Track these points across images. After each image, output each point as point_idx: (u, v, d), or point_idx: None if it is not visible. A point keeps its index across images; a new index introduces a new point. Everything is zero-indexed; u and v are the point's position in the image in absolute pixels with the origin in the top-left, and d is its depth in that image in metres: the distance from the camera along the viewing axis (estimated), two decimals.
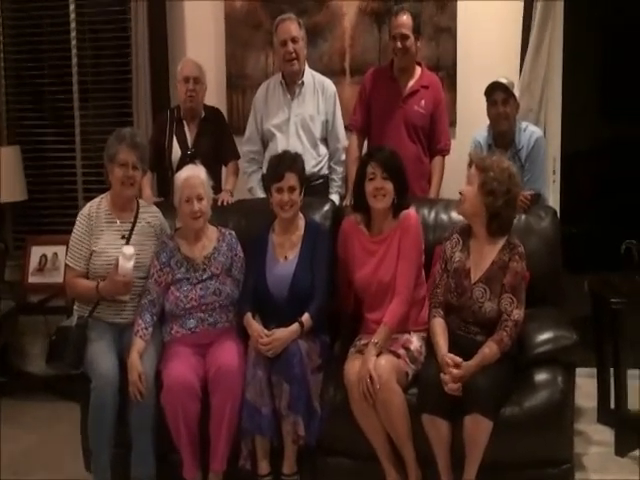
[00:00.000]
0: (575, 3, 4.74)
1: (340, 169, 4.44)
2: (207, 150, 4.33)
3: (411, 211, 3.58)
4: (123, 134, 3.69)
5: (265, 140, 4.47)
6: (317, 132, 4.39)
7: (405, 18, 4.19)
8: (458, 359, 3.17)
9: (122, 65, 5.26)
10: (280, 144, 4.34)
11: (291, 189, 3.59)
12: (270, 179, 3.66)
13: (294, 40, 4.28)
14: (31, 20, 5.40)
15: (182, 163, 4.16)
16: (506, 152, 4.08)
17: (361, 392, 3.21)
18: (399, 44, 4.21)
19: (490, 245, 3.38)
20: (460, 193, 3.38)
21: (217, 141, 4.44)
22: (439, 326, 3.38)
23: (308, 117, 4.37)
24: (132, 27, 5.05)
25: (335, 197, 4.38)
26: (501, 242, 3.37)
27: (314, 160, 4.34)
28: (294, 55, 4.29)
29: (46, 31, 5.41)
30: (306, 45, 4.41)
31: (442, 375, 3.15)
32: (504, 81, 4.08)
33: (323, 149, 4.43)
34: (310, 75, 4.44)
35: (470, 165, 3.41)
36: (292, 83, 4.39)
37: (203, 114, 4.43)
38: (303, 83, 4.39)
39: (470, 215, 3.39)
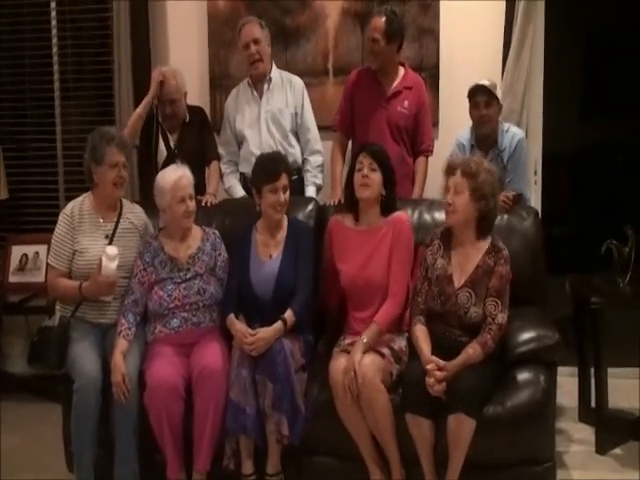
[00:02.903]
0: (556, 5, 4.78)
1: (313, 159, 4.46)
2: (191, 151, 4.33)
3: (403, 214, 3.61)
4: (111, 135, 3.67)
5: (239, 141, 4.50)
6: (287, 125, 4.42)
7: (377, 22, 4.21)
8: (441, 362, 3.18)
9: (104, 64, 5.23)
10: (252, 141, 4.39)
11: (285, 189, 3.60)
12: (263, 180, 3.62)
13: (256, 42, 4.31)
14: (12, 18, 5.36)
15: (167, 164, 4.15)
16: (488, 153, 4.12)
17: (345, 386, 3.22)
18: (369, 47, 4.27)
19: (474, 249, 3.38)
20: (449, 204, 3.33)
21: (200, 141, 4.44)
22: (421, 332, 3.37)
23: (277, 111, 4.41)
24: (114, 26, 5.02)
25: (311, 189, 4.40)
26: (485, 245, 3.38)
27: (287, 154, 4.30)
28: (257, 56, 4.33)
29: (27, 29, 5.36)
30: (270, 45, 4.43)
31: (427, 379, 3.15)
32: (487, 83, 4.09)
33: (295, 142, 4.47)
34: (277, 72, 4.48)
35: (451, 173, 3.36)
36: (259, 82, 4.43)
37: (187, 118, 4.43)
38: (271, 79, 4.43)
39: (462, 224, 3.37)
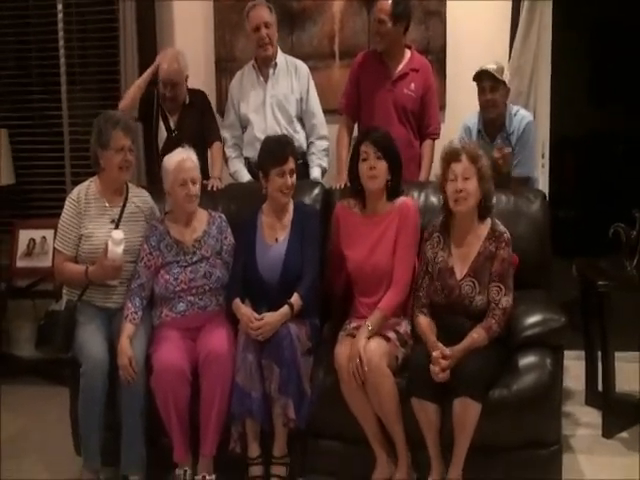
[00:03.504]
0: None
1: (320, 143, 4.45)
2: (191, 132, 4.31)
3: (409, 199, 3.60)
4: (117, 118, 3.67)
5: (243, 125, 4.49)
6: (292, 110, 4.42)
7: (384, 3, 4.18)
8: (447, 351, 3.17)
9: (110, 48, 5.22)
10: (257, 126, 4.38)
11: (291, 172, 3.60)
12: (271, 163, 3.61)
13: (267, 25, 4.31)
14: (18, 3, 5.36)
15: (166, 145, 4.18)
16: (496, 137, 4.11)
17: (350, 372, 3.22)
18: (376, 28, 4.24)
19: (475, 236, 3.37)
20: (460, 191, 3.28)
21: (201, 123, 4.43)
22: (425, 321, 3.37)
23: (283, 96, 4.41)
24: (120, 9, 5.01)
25: (316, 170, 4.40)
26: (485, 231, 3.36)
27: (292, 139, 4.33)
28: (267, 40, 4.32)
29: (33, 13, 5.36)
30: (277, 28, 4.42)
31: (432, 367, 3.15)
32: (493, 67, 4.05)
33: (300, 127, 4.46)
34: (283, 57, 4.47)
35: (454, 159, 3.33)
36: (265, 66, 4.42)
37: (187, 100, 4.42)
38: (276, 64, 4.42)
39: (471, 208, 3.35)
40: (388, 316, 3.41)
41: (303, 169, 4.37)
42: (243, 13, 4.41)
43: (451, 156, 3.36)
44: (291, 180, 3.59)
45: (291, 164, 3.60)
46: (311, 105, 4.45)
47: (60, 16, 5.24)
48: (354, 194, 3.65)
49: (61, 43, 5.28)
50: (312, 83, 4.47)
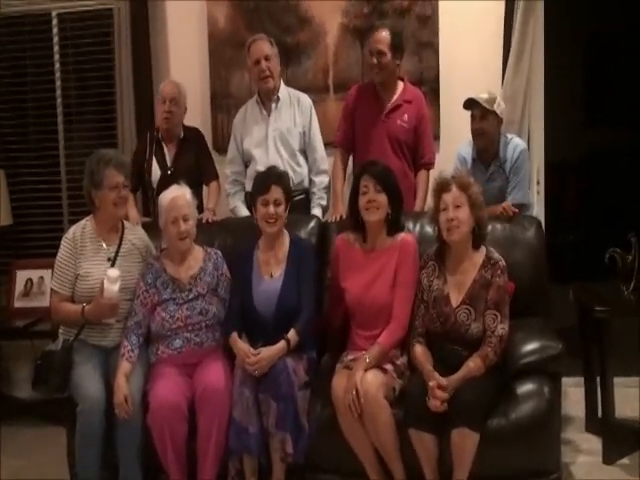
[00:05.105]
0: (556, 13, 4.78)
1: (319, 180, 4.45)
2: (186, 170, 4.35)
3: (410, 236, 3.60)
4: (109, 157, 3.68)
5: (246, 160, 4.50)
6: (295, 144, 4.42)
7: (383, 34, 4.21)
8: (443, 381, 3.16)
9: (106, 87, 5.27)
10: (260, 160, 4.37)
11: (276, 202, 3.59)
12: (256, 192, 3.66)
13: (267, 58, 4.33)
14: (14, 45, 5.41)
15: (162, 183, 4.20)
16: (490, 166, 4.13)
17: (346, 405, 3.21)
18: (375, 60, 4.25)
19: (470, 264, 3.37)
20: (451, 220, 3.30)
21: (196, 161, 4.47)
22: (421, 351, 3.37)
23: (285, 130, 4.41)
24: (115, 48, 5.07)
25: (317, 210, 4.39)
26: (480, 259, 3.37)
27: (294, 173, 4.33)
28: (268, 73, 4.34)
29: (29, 55, 5.41)
30: (279, 62, 4.46)
31: (428, 398, 3.13)
32: (484, 96, 4.08)
33: (302, 161, 4.46)
34: (285, 90, 4.49)
35: (444, 189, 3.36)
36: (268, 100, 4.44)
37: (182, 134, 4.47)
38: (279, 98, 4.43)
39: (464, 236, 3.36)
40: (386, 351, 3.40)
41: (305, 204, 4.39)
42: (244, 48, 4.43)
43: (441, 187, 3.38)
44: (274, 209, 3.58)
45: (275, 194, 3.60)
46: (313, 139, 4.45)
47: (56, 57, 5.29)
48: (354, 228, 3.66)
49: (58, 84, 5.32)
50: (315, 116, 4.48)
